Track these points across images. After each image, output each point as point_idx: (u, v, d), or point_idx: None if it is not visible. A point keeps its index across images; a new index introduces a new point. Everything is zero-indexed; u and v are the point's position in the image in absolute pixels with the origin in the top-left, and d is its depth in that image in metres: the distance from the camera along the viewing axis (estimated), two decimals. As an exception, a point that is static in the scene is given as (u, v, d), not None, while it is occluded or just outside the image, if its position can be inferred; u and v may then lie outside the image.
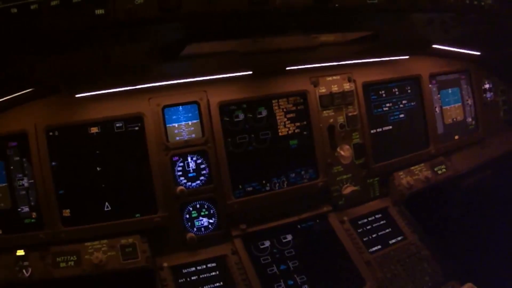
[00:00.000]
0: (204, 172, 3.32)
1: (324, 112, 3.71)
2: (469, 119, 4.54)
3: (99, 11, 1.77)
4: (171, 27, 2.07)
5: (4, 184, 2.97)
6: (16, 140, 2.97)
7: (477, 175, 4.45)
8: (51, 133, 3.00)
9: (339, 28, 2.63)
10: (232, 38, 2.35)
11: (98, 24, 1.79)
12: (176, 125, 3.28)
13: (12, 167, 2.97)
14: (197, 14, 1.90)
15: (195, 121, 3.32)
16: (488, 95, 4.71)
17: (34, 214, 2.99)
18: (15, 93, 2.82)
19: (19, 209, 2.99)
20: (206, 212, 3.33)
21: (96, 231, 3.04)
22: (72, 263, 2.94)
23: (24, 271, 2.89)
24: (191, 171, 3.30)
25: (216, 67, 3.22)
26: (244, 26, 2.28)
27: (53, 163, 3.00)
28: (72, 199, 3.04)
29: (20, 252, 2.92)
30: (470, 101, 4.56)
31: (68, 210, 3.03)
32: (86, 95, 3.05)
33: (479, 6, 2.80)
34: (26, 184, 2.99)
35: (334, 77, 3.77)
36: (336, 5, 2.19)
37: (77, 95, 3.02)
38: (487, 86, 4.70)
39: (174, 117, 3.28)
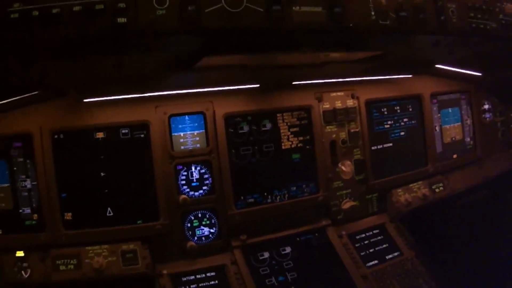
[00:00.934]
0: (207, 182, 3.34)
1: (327, 127, 3.74)
2: (468, 139, 4.58)
3: (121, 20, 1.79)
4: (190, 39, 2.10)
5: (6, 185, 2.95)
6: (20, 141, 2.96)
7: (473, 195, 4.50)
8: (56, 136, 3.00)
9: (350, 46, 2.68)
10: (248, 53, 2.39)
11: (119, 32, 1.81)
12: (181, 134, 3.30)
13: (15, 168, 2.96)
14: (216, 28, 1.93)
15: (200, 131, 3.34)
16: (487, 115, 4.76)
17: (35, 216, 2.98)
18: (22, 95, 2.83)
19: (21, 210, 2.97)
20: (207, 222, 3.34)
21: (98, 236, 3.03)
22: (72, 266, 2.94)
23: (23, 272, 2.88)
24: (194, 180, 3.31)
25: (224, 79, 3.25)
26: (261, 41, 2.32)
27: (57, 166, 2.99)
28: (75, 203, 3.03)
29: (20, 253, 2.91)
30: (469, 121, 4.60)
31: (70, 214, 3.01)
32: (94, 100, 3.06)
33: (484, 29, 2.87)
34: (28, 186, 2.97)
35: (338, 93, 3.81)
36: (350, 24, 2.24)
37: (85, 100, 3.03)
38: (486, 106, 4.76)
39: (180, 126, 3.30)
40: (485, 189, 4.60)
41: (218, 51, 2.27)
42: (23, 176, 2.98)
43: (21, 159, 2.97)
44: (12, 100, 2.84)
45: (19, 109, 2.96)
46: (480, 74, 4.36)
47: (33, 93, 2.86)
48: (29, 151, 2.96)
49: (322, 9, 2.17)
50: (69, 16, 1.74)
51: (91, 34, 1.80)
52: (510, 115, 4.89)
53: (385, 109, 4.02)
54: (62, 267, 2.93)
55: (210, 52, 2.27)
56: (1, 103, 2.82)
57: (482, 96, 4.73)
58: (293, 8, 2.09)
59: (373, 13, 2.34)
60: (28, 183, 2.98)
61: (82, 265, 2.95)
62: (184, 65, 2.51)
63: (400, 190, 3.98)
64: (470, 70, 4.30)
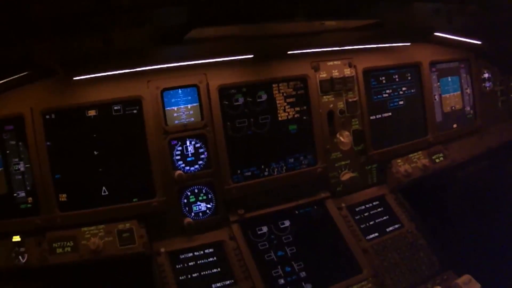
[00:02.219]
0: (202, 156, 3.29)
1: (324, 97, 3.67)
2: (468, 108, 4.52)
3: None
4: (178, 11, 2.02)
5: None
6: (12, 123, 2.92)
7: (474, 165, 4.46)
8: (47, 116, 2.95)
9: (347, 14, 2.60)
10: (240, 23, 2.30)
11: (100, 8, 1.74)
12: (175, 108, 3.23)
13: (8, 151, 2.93)
14: None
15: (194, 104, 3.27)
16: (487, 84, 4.69)
17: (30, 199, 2.96)
18: (11, 76, 2.77)
19: (15, 194, 2.95)
20: (204, 197, 3.30)
21: (93, 216, 3.00)
22: (69, 249, 2.92)
23: (20, 257, 2.87)
24: (190, 155, 3.26)
25: (217, 50, 3.17)
26: (253, 11, 2.23)
27: (50, 147, 2.95)
28: (69, 184, 3.00)
29: (16, 238, 2.90)
30: (469, 90, 4.53)
31: (64, 195, 2.98)
32: (84, 78, 2.98)
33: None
34: (22, 169, 2.95)
35: (335, 62, 3.73)
36: None
37: (74, 78, 2.96)
38: (486, 75, 4.69)
39: (173, 100, 3.23)
40: (485, 160, 4.56)
41: (209, 22, 2.19)
42: (16, 159, 2.95)
43: (13, 142, 2.94)
44: (1, 83, 2.78)
45: (8, 91, 2.91)
46: (479, 42, 4.28)
47: (22, 74, 2.80)
48: (21, 133, 2.92)
49: None
50: None
51: (70, 11, 1.72)
52: (510, 84, 4.82)
53: (383, 77, 3.95)
54: (59, 250, 2.91)
55: (199, 24, 2.18)
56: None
57: (482, 64, 4.66)
58: (286, -27, 2.01)
59: (370, -22, 2.26)
60: (21, 166, 2.95)
61: (79, 247, 2.93)
62: (173, 39, 2.43)
63: (400, 160, 3.93)
64: (469, 38, 4.22)
